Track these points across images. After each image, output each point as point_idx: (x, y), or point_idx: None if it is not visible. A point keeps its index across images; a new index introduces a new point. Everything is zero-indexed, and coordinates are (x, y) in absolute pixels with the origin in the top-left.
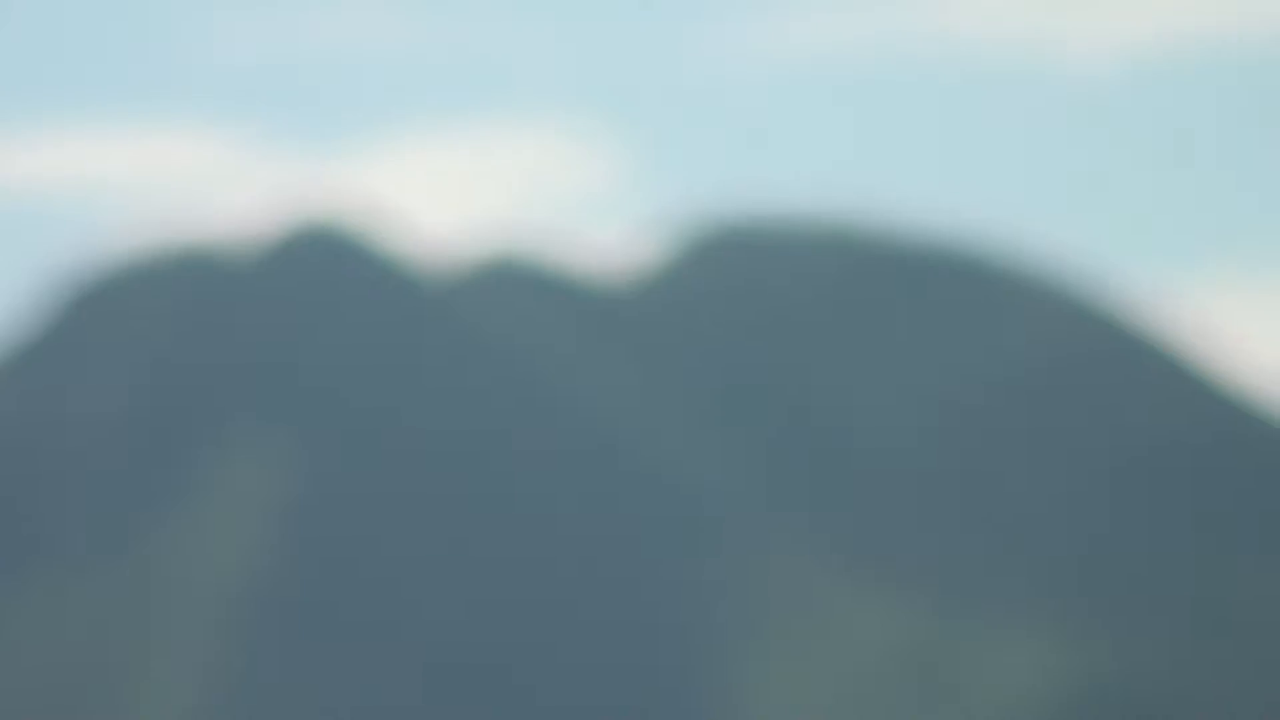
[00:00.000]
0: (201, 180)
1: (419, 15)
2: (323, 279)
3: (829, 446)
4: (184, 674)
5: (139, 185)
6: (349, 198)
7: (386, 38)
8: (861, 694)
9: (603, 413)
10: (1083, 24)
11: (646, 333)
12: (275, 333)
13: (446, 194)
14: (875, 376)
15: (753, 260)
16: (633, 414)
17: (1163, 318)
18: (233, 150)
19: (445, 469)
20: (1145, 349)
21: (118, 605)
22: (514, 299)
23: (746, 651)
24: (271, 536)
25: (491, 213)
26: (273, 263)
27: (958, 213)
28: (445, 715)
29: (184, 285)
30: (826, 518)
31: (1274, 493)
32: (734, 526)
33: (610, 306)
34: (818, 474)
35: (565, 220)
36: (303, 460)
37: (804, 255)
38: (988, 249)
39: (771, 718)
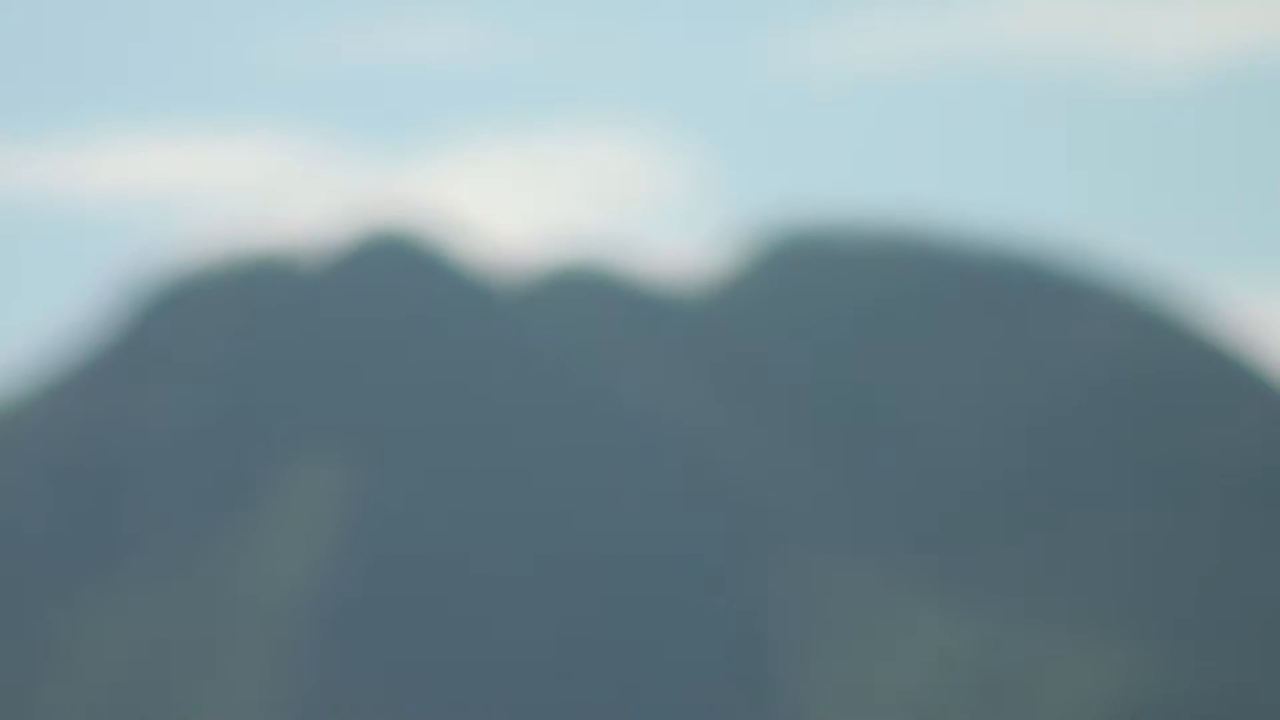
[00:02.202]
0: (275, 188)
1: (491, 24)
2: (393, 287)
3: (897, 455)
4: (251, 676)
5: (214, 193)
6: (420, 205)
7: (459, 46)
8: (923, 704)
9: (673, 421)
10: (1153, 34)
11: (718, 341)
12: (346, 340)
13: (518, 202)
14: (945, 385)
15: (823, 269)
16: (704, 423)
17: (1235, 327)
18: (306, 158)
19: (515, 478)
20: (1218, 357)
21: (188, 608)
22: (585, 308)
23: (808, 660)
24: (339, 542)
25: (562, 221)
26: (344, 270)
27: (1026, 221)
28: (502, 714)
29: (256, 293)
30: (890, 527)
31: None
32: (800, 535)
33: (681, 315)
34: (884, 484)
35: (636, 228)
36: (373, 466)
37: (875, 264)
38: (1057, 257)
39: (830, 716)
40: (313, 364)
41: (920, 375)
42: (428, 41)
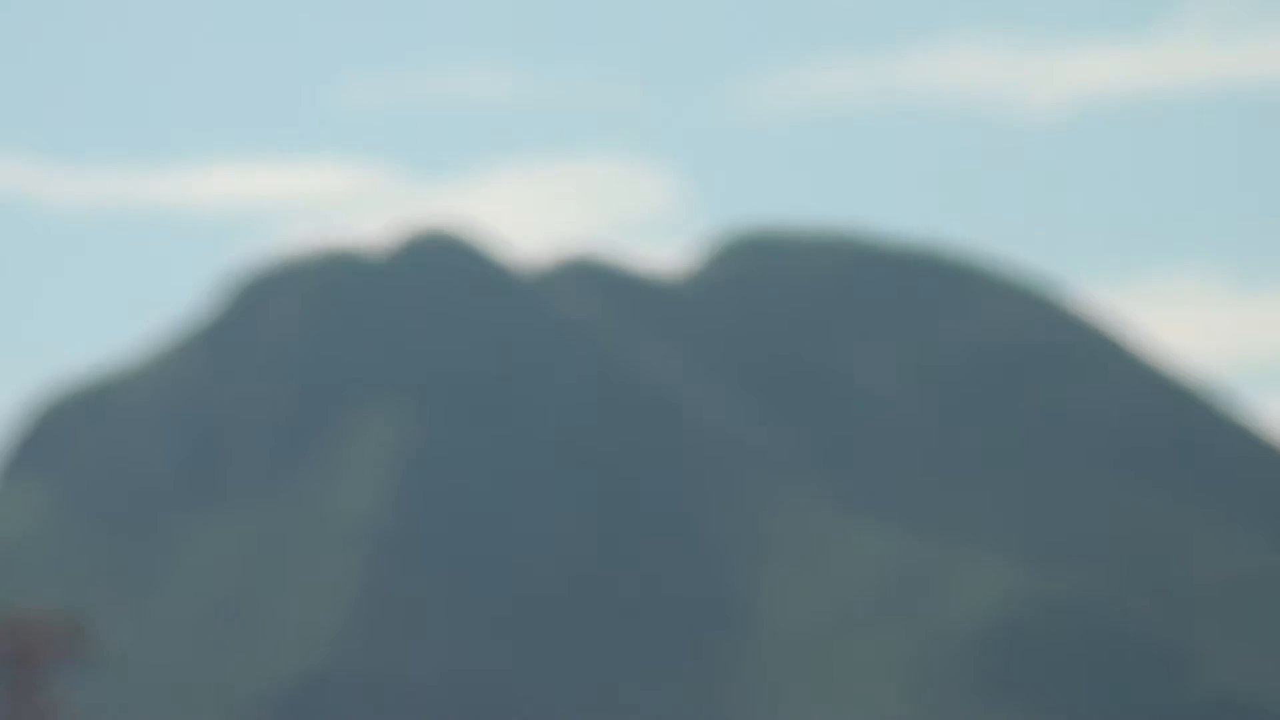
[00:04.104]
0: (346, 201)
1: (517, 70)
2: (438, 276)
3: (834, 408)
4: (324, 583)
5: (298, 204)
6: (459, 213)
7: (488, 89)
8: (857, 602)
9: (657, 380)
10: (1039, 76)
11: (692, 318)
12: (401, 318)
13: (536, 210)
14: (870, 353)
15: (774, 263)
16: (681, 381)
17: (1096, 307)
18: (370, 177)
19: (534, 426)
20: (1083, 331)
21: (276, 529)
22: (588, 292)
23: (767, 569)
24: (396, 481)
25: (571, 226)
26: (399, 263)
27: (933, 225)
28: (533, 619)
29: (330, 281)
30: (832, 464)
31: (1190, 449)
32: (757, 471)
33: (663, 298)
34: (825, 430)
35: (628, 231)
36: (423, 418)
37: (814, 259)
38: (957, 253)
39: (787, 619)
40: (375, 336)
41: (851, 345)
42: (463, 84)
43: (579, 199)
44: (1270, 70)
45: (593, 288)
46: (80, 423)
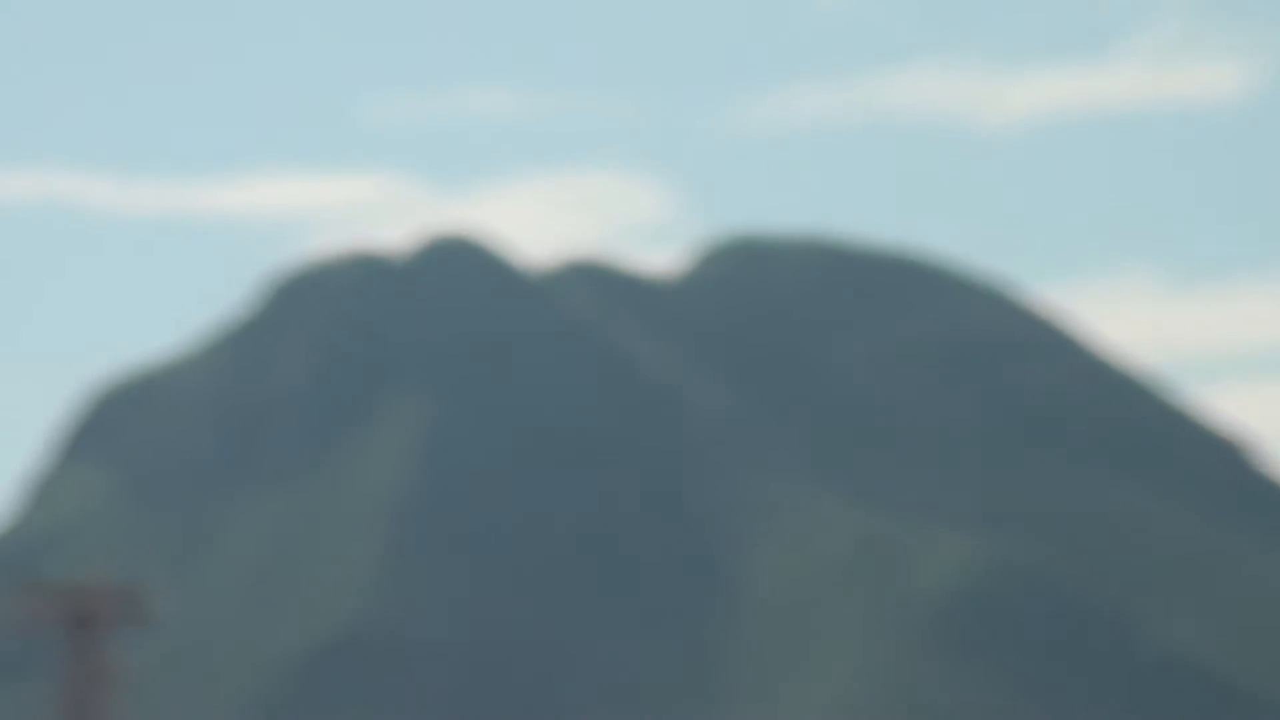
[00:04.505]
0: (372, 209)
1: (526, 92)
2: (455, 276)
3: (811, 394)
4: (358, 550)
5: (331, 210)
6: (475, 220)
7: (499, 107)
8: (832, 568)
9: (652, 368)
10: (999, 96)
11: (682, 313)
12: (421, 314)
13: (544, 218)
14: (844, 343)
15: (758, 262)
16: (673, 370)
17: (1045, 301)
18: (395, 186)
19: (543, 410)
20: (1033, 322)
21: (314, 502)
22: (590, 289)
23: (753, 532)
24: (417, 459)
25: (574, 232)
26: (420, 265)
27: (902, 228)
28: (541, 582)
29: (359, 279)
30: (810, 443)
31: (1129, 431)
32: (745, 448)
33: (656, 295)
34: (804, 413)
35: (626, 235)
36: (441, 403)
37: (793, 258)
38: (921, 253)
39: (767, 581)
40: (398, 331)
41: (827, 337)
42: (477, 104)
43: (582, 207)
44: (1204, 93)
45: (594, 287)
46: (132, 410)
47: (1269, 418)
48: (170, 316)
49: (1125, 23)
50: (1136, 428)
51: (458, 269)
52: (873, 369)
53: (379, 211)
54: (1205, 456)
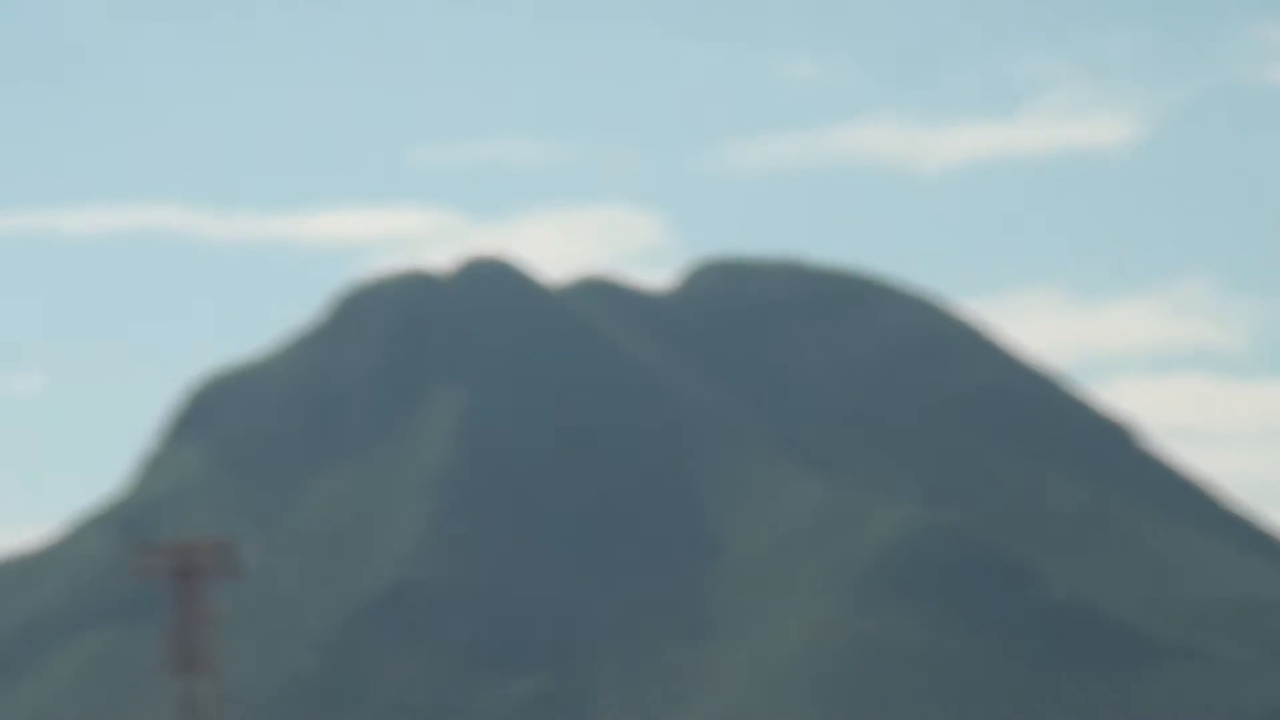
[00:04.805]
0: (421, 237)
1: (546, 140)
2: (489, 291)
3: (780, 388)
4: (409, 522)
5: (384, 240)
6: (505, 245)
7: (528, 153)
8: (798, 530)
9: (649, 366)
10: (932, 146)
11: (674, 321)
12: (462, 320)
13: (561, 244)
14: (807, 346)
15: (735, 280)
16: (666, 367)
17: (974, 314)
18: (438, 219)
19: (561, 401)
20: (964, 331)
21: (369, 481)
22: (598, 302)
23: (732, 503)
24: (459, 442)
25: (586, 255)
26: (460, 280)
27: (855, 253)
28: (559, 544)
29: (407, 293)
30: (778, 429)
31: (1039, 418)
32: (725, 433)
33: (653, 306)
34: (774, 404)
35: (628, 258)
36: (479, 395)
37: (766, 277)
38: (872, 273)
39: (745, 542)
40: (444, 333)
41: (793, 341)
42: (507, 150)
43: (592, 234)
44: (1096, 143)
45: (602, 300)
46: (226, 399)
47: (1149, 406)
48: (257, 323)
49: (1033, 88)
50: (1043, 414)
51: (490, 285)
52: (831, 366)
53: (426, 238)
54: (1098, 437)
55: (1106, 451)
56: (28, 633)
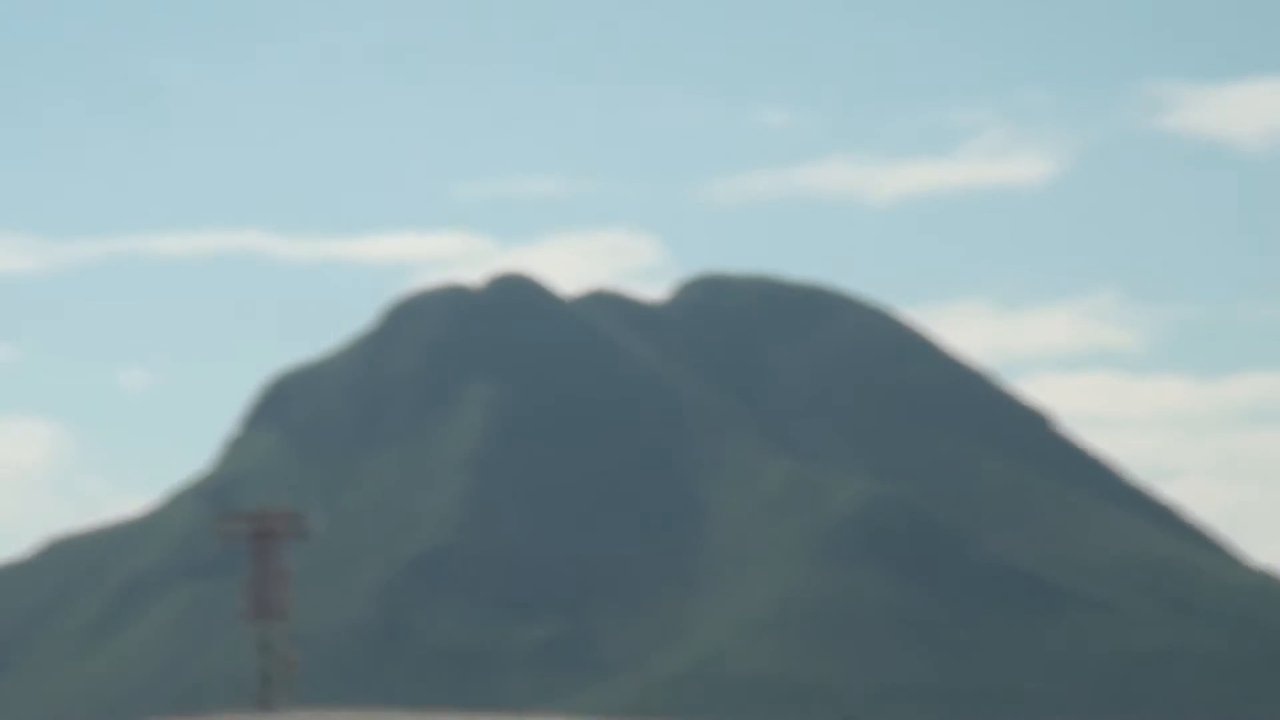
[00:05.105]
0: (457, 257)
1: (560, 174)
2: (514, 301)
3: (757, 384)
4: (448, 496)
5: (426, 259)
6: (527, 264)
7: (545, 185)
8: (771, 503)
9: (648, 366)
10: (879, 182)
11: (669, 328)
12: (489, 327)
13: (575, 263)
14: (780, 350)
15: (720, 293)
16: (662, 367)
17: (918, 322)
18: (472, 242)
19: (575, 395)
20: (910, 336)
21: (413, 461)
22: (605, 311)
23: (715, 480)
24: (489, 429)
25: (596, 272)
26: (490, 293)
27: (819, 270)
28: (571, 515)
29: (446, 304)
30: (755, 418)
31: (973, 408)
32: (711, 422)
33: (651, 315)
34: (752, 397)
35: (631, 274)
36: (505, 391)
37: (745, 291)
38: (833, 288)
39: (726, 513)
40: (477, 338)
41: (769, 345)
42: (527, 183)
43: (601, 255)
44: (1019, 178)
45: (608, 310)
46: (295, 392)
47: (1062, 397)
48: (319, 328)
49: (965, 132)
50: (975, 403)
51: (515, 297)
52: (798, 366)
53: (462, 258)
54: (1021, 424)
55: (1027, 435)
56: (132, 586)
